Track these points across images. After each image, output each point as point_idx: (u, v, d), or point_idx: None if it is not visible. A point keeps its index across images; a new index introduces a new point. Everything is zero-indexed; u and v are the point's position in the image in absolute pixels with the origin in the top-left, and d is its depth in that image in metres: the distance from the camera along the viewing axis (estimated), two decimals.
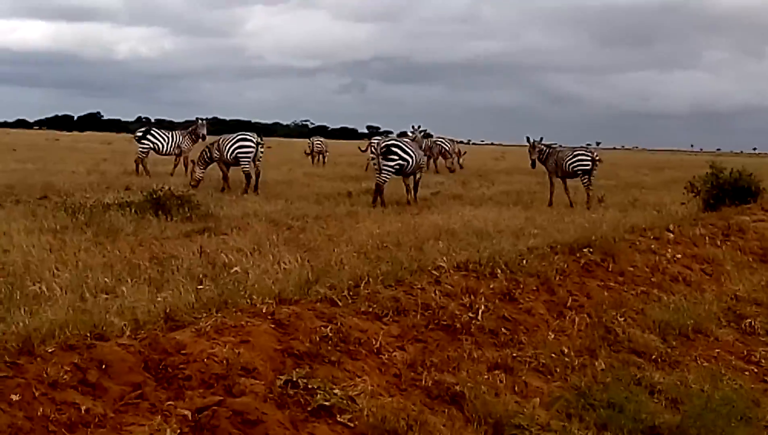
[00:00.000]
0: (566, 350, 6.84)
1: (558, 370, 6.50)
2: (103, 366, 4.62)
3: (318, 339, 5.54)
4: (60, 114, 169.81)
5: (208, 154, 23.44)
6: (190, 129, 28.39)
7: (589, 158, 21.83)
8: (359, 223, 15.10)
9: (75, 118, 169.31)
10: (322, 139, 41.19)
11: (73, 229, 13.05)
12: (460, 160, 39.17)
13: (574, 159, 21.76)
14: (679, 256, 10.84)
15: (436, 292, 7.09)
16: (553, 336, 7.15)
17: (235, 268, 8.08)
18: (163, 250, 10.78)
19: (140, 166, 27.43)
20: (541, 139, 23.13)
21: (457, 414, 5.41)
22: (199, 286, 6.57)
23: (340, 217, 16.90)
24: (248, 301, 6.04)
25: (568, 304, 7.90)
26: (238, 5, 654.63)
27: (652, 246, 10.77)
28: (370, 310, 6.31)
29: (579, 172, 21.63)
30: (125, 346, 4.88)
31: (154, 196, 15.44)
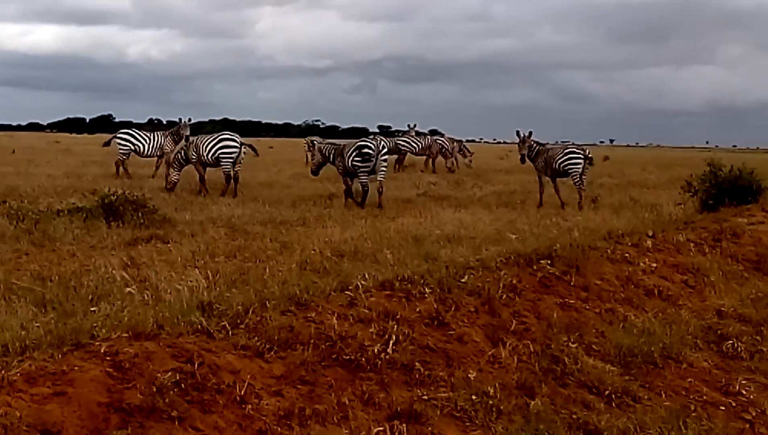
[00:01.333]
0: (496, 388, 5.70)
1: (480, 415, 5.37)
2: None
3: (162, 387, 4.45)
4: (72, 117, 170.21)
5: (184, 156, 22.42)
6: (173, 130, 27.40)
7: (581, 157, 20.70)
8: (324, 228, 14.06)
9: (87, 120, 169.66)
10: (318, 139, 40.10)
11: (11, 237, 12.15)
12: (467, 160, 37.94)
13: (565, 157, 20.64)
14: (657, 265, 9.68)
15: (348, 317, 5.99)
16: (483, 370, 6.03)
17: (129, 289, 7.03)
18: (84, 262, 9.77)
19: (120, 168, 26.47)
20: (530, 133, 22.09)
21: None
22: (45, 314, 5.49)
23: (309, 221, 15.88)
24: (97, 333, 4.97)
25: (512, 328, 6.77)
26: (247, 6, 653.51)
27: (628, 254, 9.62)
28: (252, 343, 5.21)
29: (570, 172, 20.48)
30: None
31: (106, 200, 14.43)
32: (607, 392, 6.20)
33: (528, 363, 6.29)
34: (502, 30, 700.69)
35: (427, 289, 6.64)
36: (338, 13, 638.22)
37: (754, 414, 6.55)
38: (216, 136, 22.96)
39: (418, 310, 6.41)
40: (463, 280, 7.24)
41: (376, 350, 5.55)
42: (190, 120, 28.21)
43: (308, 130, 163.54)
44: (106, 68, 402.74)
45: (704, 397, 6.73)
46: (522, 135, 21.67)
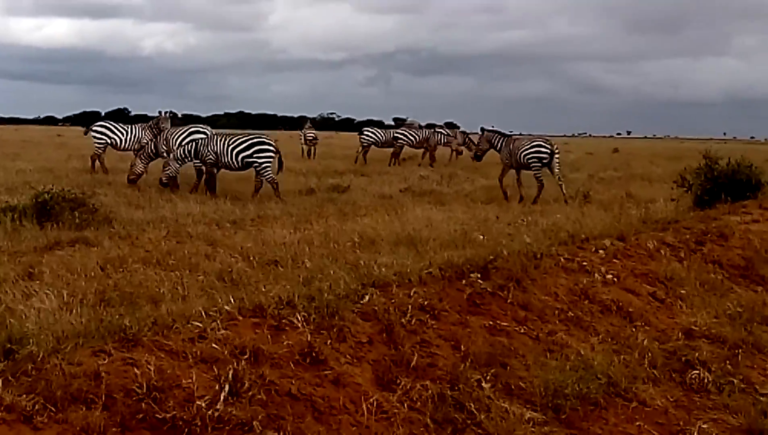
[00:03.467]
0: None
1: None
2: None
3: None
4: (88, 110, 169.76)
5: (153, 149, 21.27)
6: (151, 123, 26.26)
7: (547, 150, 19.67)
8: (273, 230, 12.86)
9: (102, 114, 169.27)
10: (314, 131, 38.92)
11: None
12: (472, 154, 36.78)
13: (531, 150, 19.64)
14: (623, 275, 8.36)
15: (188, 356, 4.74)
16: (358, 424, 4.75)
17: None
18: None
19: (96, 162, 25.36)
20: (492, 127, 21.43)
21: None
22: None
23: (267, 220, 14.69)
24: None
25: (414, 363, 5.49)
26: None
27: (588, 262, 8.30)
28: (22, 402, 3.96)
29: (533, 165, 19.61)
30: None
31: (39, 199, 13.27)
32: None
33: (421, 412, 5.01)
34: (515, 22, 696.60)
35: (299, 316, 5.35)
36: (351, 6, 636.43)
37: None
38: (187, 128, 21.84)
39: (289, 343, 5.15)
40: (362, 301, 5.96)
41: (204, 404, 4.29)
42: (169, 113, 27.09)
43: (323, 123, 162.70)
44: (121, 62, 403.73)
45: None
46: (484, 132, 21.13)
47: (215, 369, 4.64)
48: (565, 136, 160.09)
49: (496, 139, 20.94)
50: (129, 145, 25.50)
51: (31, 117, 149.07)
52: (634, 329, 7.23)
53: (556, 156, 19.84)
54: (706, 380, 6.54)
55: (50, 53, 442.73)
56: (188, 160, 19.84)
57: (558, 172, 19.75)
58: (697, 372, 6.62)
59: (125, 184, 20.66)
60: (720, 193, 14.67)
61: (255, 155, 19.28)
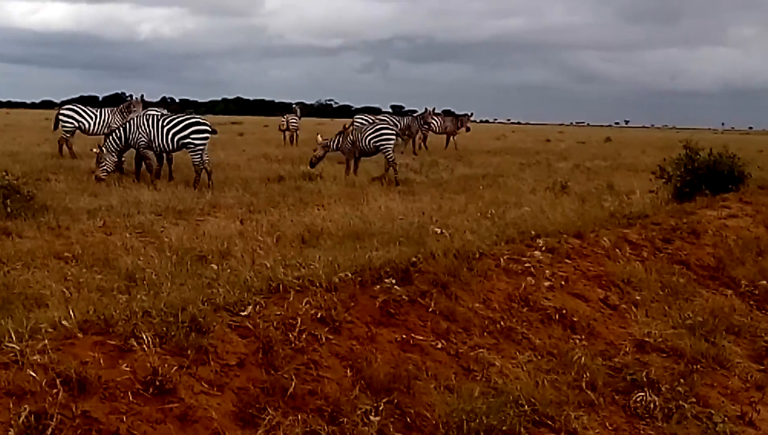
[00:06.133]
0: None
1: None
2: None
3: None
4: (85, 94, 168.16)
5: (122, 137, 19.95)
6: (122, 106, 25.36)
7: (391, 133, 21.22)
8: (207, 222, 12.04)
9: (100, 98, 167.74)
10: (296, 117, 37.90)
11: None
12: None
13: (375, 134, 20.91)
14: (573, 277, 7.46)
15: None
16: None
17: None
18: None
19: (64, 146, 24.41)
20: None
21: None
22: None
23: (217, 210, 13.87)
24: None
25: (292, 391, 4.59)
26: None
27: (533, 263, 7.40)
28: None
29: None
30: None
31: None
32: None
33: None
34: (512, 10, 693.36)
35: (148, 335, 4.44)
36: None
37: None
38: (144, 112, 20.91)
39: (128, 368, 4.25)
40: (242, 313, 5.07)
41: None
42: (142, 96, 26.16)
43: (321, 109, 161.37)
44: (118, 46, 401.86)
45: None
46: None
47: (16, 406, 3.74)
48: (563, 124, 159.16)
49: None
50: (98, 129, 24.54)
51: (28, 101, 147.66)
52: (575, 342, 6.33)
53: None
54: (653, 404, 5.65)
55: (47, 37, 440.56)
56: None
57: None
58: (643, 394, 5.73)
59: (88, 169, 19.68)
60: (700, 185, 13.82)
61: (191, 136, 18.23)
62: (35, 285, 7.18)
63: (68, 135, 24.61)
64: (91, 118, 24.64)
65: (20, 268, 8.13)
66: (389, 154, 21.15)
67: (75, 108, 25.12)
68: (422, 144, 34.59)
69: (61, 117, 24.77)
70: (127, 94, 33.58)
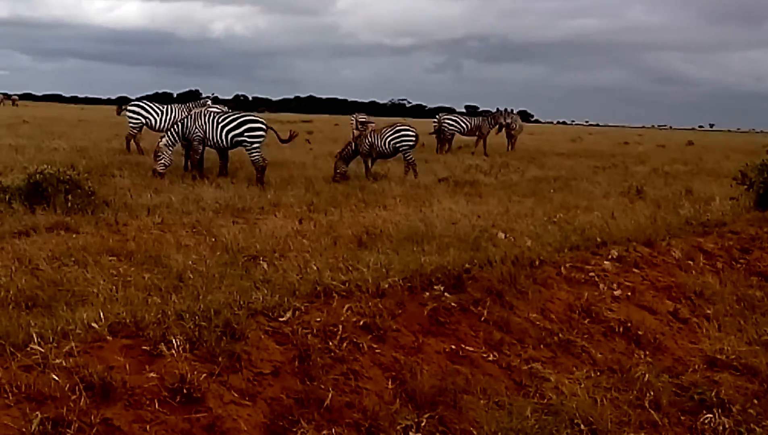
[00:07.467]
0: None
1: None
2: None
3: None
4: (160, 91, 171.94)
5: (180, 132, 20.17)
6: (190, 103, 25.55)
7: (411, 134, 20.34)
8: (267, 222, 11.87)
9: (175, 95, 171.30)
10: (365, 116, 37.73)
11: None
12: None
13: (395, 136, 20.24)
14: (640, 288, 7.01)
15: (6, 393, 3.68)
16: None
17: None
18: None
19: (132, 142, 24.70)
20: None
21: None
22: None
23: (281, 208, 13.70)
24: None
25: (328, 402, 4.31)
26: None
27: (597, 273, 6.98)
28: None
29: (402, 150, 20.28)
30: None
31: (32, 180, 12.45)
32: None
33: None
34: (588, 9, 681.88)
35: (178, 339, 4.22)
36: None
37: None
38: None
39: (156, 374, 4.04)
40: (281, 319, 4.82)
41: None
42: (215, 96, 26.32)
43: (394, 108, 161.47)
44: (191, 44, 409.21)
45: None
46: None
47: (34, 411, 3.55)
48: (644, 127, 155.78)
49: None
50: (165, 125, 24.73)
51: (103, 97, 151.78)
52: (640, 357, 5.90)
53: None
54: (722, 427, 5.19)
55: (121, 34, 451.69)
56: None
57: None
58: (711, 416, 5.27)
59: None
60: None
61: (245, 134, 18.17)
62: (82, 283, 7.04)
63: (135, 131, 24.87)
64: (158, 114, 24.86)
65: (71, 264, 8.03)
66: (408, 155, 20.75)
67: (142, 104, 25.36)
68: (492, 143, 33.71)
69: (128, 113, 25.06)
70: (201, 92, 33.96)
